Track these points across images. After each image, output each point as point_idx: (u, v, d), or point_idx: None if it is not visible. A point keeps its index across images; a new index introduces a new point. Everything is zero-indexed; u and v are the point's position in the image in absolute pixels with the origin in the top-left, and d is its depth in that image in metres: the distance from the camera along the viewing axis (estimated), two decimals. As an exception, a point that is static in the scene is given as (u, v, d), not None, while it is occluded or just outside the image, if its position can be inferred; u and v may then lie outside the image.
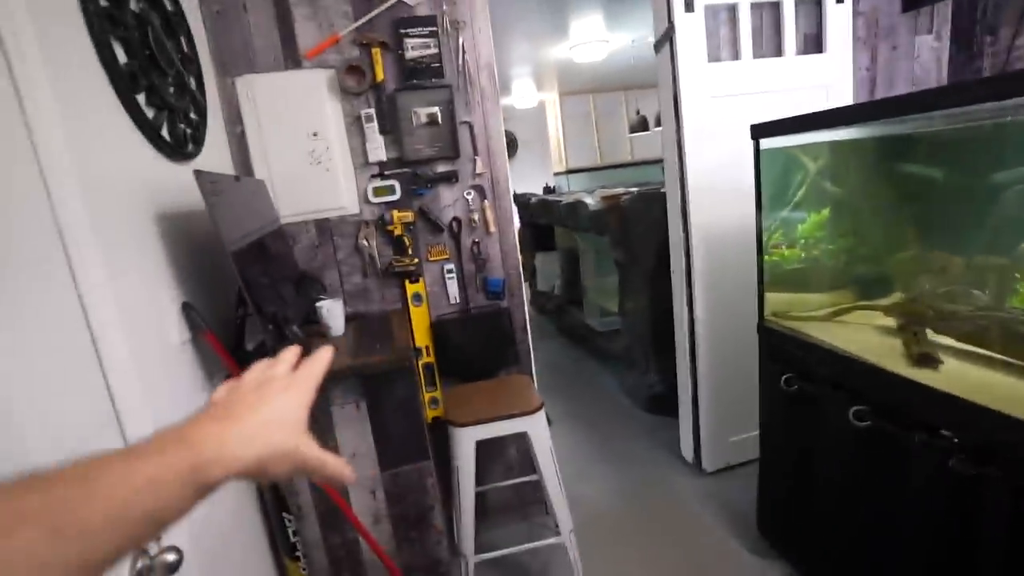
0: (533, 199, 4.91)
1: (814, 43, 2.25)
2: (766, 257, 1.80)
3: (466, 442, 1.72)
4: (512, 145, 8.13)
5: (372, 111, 1.88)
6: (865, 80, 2.37)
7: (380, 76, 1.86)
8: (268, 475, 0.39)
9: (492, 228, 2.02)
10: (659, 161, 7.19)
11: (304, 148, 1.88)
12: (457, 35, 1.89)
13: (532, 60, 4.92)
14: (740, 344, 2.20)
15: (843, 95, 2.28)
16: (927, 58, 2.48)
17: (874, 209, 1.78)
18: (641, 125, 6.13)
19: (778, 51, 2.20)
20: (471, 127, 1.97)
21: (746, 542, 1.99)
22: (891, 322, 1.53)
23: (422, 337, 2.06)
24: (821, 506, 1.63)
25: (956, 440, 1.18)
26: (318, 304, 1.73)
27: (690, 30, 2.05)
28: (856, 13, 2.27)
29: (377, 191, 1.94)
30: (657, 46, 2.16)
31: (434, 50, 1.87)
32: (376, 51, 1.85)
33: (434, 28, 1.87)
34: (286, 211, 1.91)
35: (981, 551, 1.16)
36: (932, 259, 1.63)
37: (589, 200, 3.37)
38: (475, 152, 1.98)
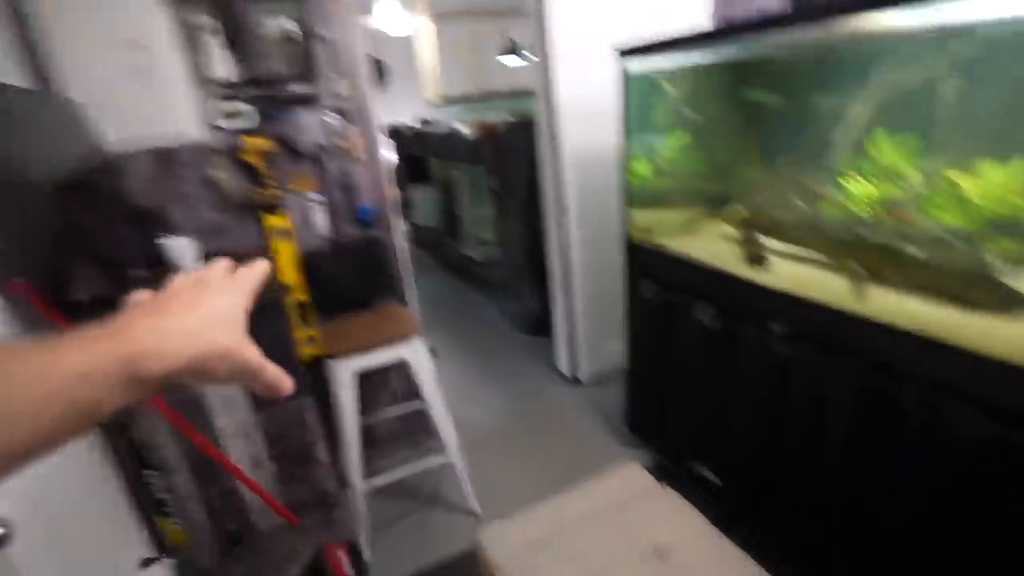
0: (407, 130, 4.71)
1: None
2: (631, 178, 1.90)
3: (343, 373, 1.68)
4: (383, 72, 7.62)
5: (214, 22, 1.64)
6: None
7: (215, -22, 1.62)
8: (206, 376, 0.37)
9: (359, 153, 1.90)
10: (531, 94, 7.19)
11: (124, 62, 1.60)
12: None
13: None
14: (610, 262, 2.35)
15: (700, 12, 2.38)
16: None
17: (721, 131, 1.93)
18: (512, 50, 6.02)
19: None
20: (331, 44, 1.79)
21: (618, 438, 2.21)
22: (733, 231, 1.71)
23: (291, 273, 1.93)
24: (678, 399, 1.84)
25: (782, 328, 1.38)
26: (165, 243, 1.55)
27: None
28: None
29: (226, 114, 1.73)
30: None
31: (280, -49, 1.66)
32: (207, -53, 1.59)
33: (277, -77, 1.64)
34: (111, 137, 1.64)
35: (791, 416, 1.40)
36: (764, 174, 1.83)
37: (464, 129, 3.30)
38: (337, 72, 1.82)
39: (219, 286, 0.42)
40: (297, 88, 1.79)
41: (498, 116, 5.21)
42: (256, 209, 1.83)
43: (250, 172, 1.78)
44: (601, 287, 2.47)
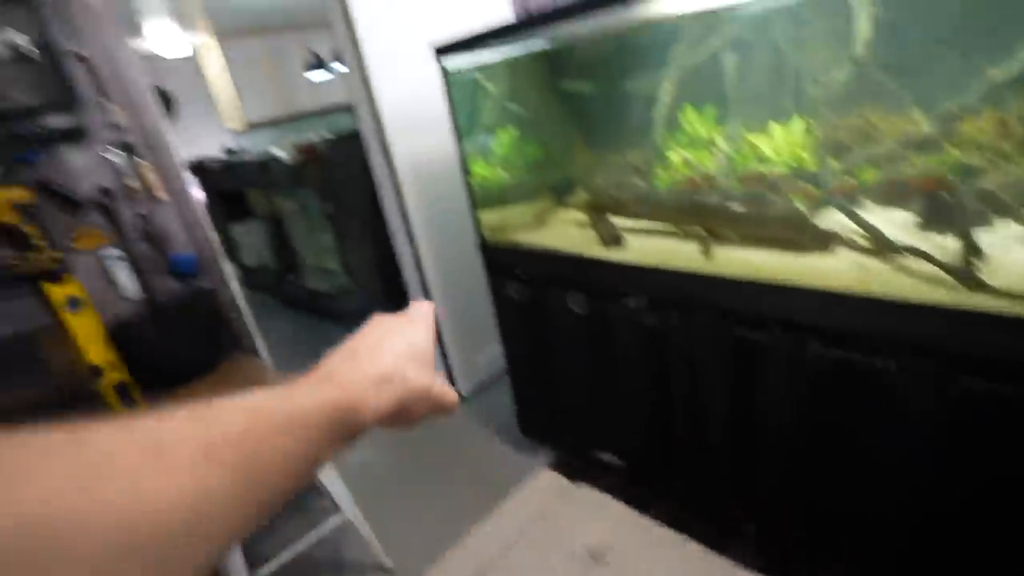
0: (213, 163, 4.21)
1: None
2: (472, 180, 1.86)
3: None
4: (168, 100, 6.76)
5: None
6: None
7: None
8: (404, 419, 0.37)
9: (160, 193, 1.61)
10: (348, 108, 6.90)
11: None
12: None
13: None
14: (468, 268, 2.30)
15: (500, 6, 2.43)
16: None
17: (546, 121, 1.99)
18: (317, 64, 5.71)
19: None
20: (87, 62, 1.48)
21: (514, 445, 2.17)
22: (583, 216, 1.76)
23: (97, 351, 1.57)
24: (565, 391, 1.85)
25: (644, 301, 1.44)
26: None
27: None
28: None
29: (-47, 166, 1.33)
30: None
31: (-6, -47, 1.31)
32: None
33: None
34: None
35: (672, 382, 1.47)
36: (595, 157, 1.92)
37: (282, 153, 3.01)
38: (105, 97, 1.51)
39: (402, 322, 0.41)
40: (55, 121, 1.45)
41: (316, 136, 4.92)
42: (28, 280, 1.45)
43: (7, 234, 1.40)
44: (464, 295, 2.41)
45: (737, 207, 1.40)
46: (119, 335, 1.58)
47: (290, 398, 0.30)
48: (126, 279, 1.58)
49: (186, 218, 1.70)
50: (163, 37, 5.26)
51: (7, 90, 1.34)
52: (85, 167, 1.50)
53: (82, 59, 1.45)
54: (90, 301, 1.55)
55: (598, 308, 1.58)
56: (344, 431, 0.31)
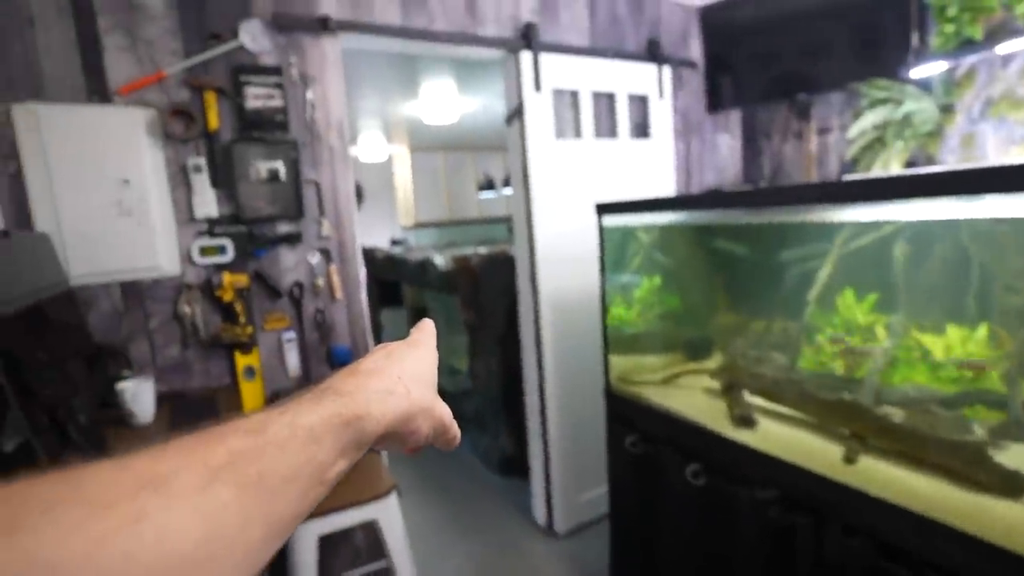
0: (379, 254, 4.78)
1: (641, 130, 2.54)
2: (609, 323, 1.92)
3: (305, 538, 1.51)
4: (359, 195, 7.93)
5: (202, 161, 1.67)
6: (683, 164, 2.73)
7: (214, 124, 1.67)
8: (409, 434, 0.36)
9: (338, 294, 1.88)
10: (504, 220, 7.54)
11: (110, 197, 1.59)
12: (305, 88, 1.79)
13: (382, 115, 4.89)
14: (588, 405, 2.29)
15: (666, 175, 2.59)
16: (726, 152, 2.95)
17: (694, 275, 2.01)
18: (488, 185, 6.39)
19: (613, 133, 2.45)
20: (318, 186, 1.84)
21: (599, 604, 2.01)
22: (716, 384, 1.71)
23: (254, 415, 1.81)
24: (667, 558, 1.71)
25: (773, 494, 1.32)
26: (119, 386, 1.43)
27: (539, 108, 2.19)
28: (674, 110, 2.63)
29: (205, 250, 1.70)
30: (509, 120, 2.27)
31: (279, 102, 1.74)
32: (210, 95, 1.66)
33: (279, 79, 1.74)
34: (81, 270, 1.58)
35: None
36: (740, 323, 1.88)
37: (439, 260, 3.36)
38: (321, 213, 1.85)
39: (405, 346, 0.42)
40: (282, 227, 1.80)
41: (470, 243, 5.42)
42: (226, 346, 1.74)
43: (224, 309, 1.72)
44: (579, 431, 2.39)
45: (893, 416, 1.28)
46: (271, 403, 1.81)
47: (293, 412, 0.29)
48: (294, 360, 1.83)
49: (352, 314, 1.95)
50: (369, 147, 6.32)
51: (261, 202, 1.71)
52: (291, 265, 1.82)
53: (315, 184, 1.82)
54: (261, 372, 1.80)
55: (716, 484, 1.48)
56: (351, 441, 0.31)
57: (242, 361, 1.74)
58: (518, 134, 2.22)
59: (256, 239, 1.75)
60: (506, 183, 5.75)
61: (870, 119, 2.20)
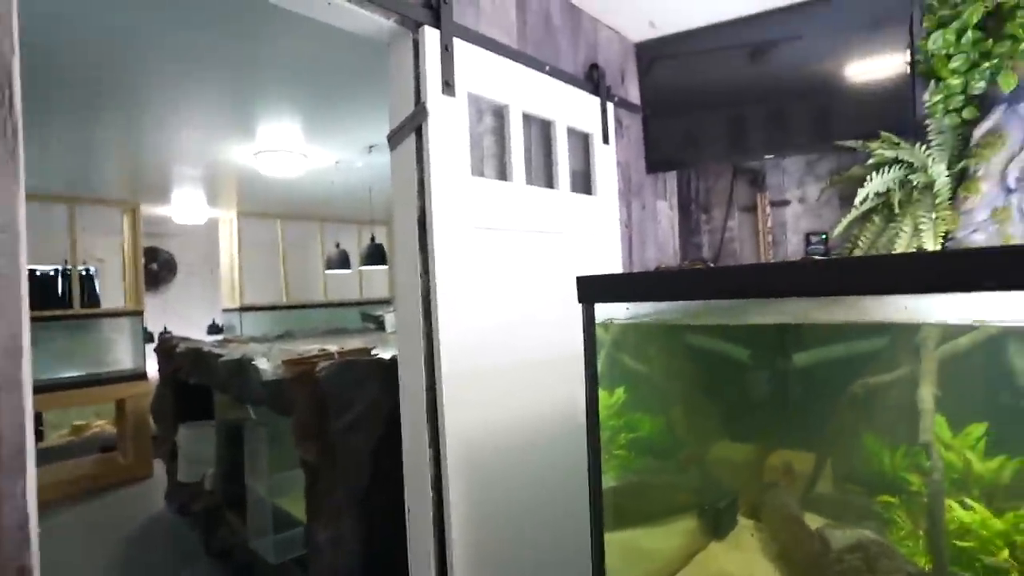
0: (181, 345, 3.40)
1: (582, 183, 1.79)
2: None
3: None
4: (170, 270, 6.27)
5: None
6: (626, 235, 2.02)
7: None
8: None
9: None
10: (357, 304, 6.38)
11: None
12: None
13: (205, 161, 3.67)
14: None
15: (612, 246, 1.84)
16: (665, 224, 2.33)
17: (741, 409, 1.20)
18: (341, 261, 5.27)
19: (550, 181, 1.65)
20: None
21: None
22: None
23: None
24: None
25: None
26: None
27: (448, 121, 1.32)
28: (616, 163, 1.94)
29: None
30: (394, 139, 1.35)
31: None
32: None
33: None
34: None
35: None
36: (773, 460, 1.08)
37: (263, 363, 2.20)
38: None
39: None
40: None
41: (314, 334, 4.19)
42: None
43: None
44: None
45: None
46: None
47: None
48: None
49: None
50: (185, 204, 4.91)
51: None
52: None
53: None
54: None
55: None
56: None
57: None
58: (411, 162, 1.31)
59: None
60: (373, 257, 4.71)
61: (876, 183, 1.69)
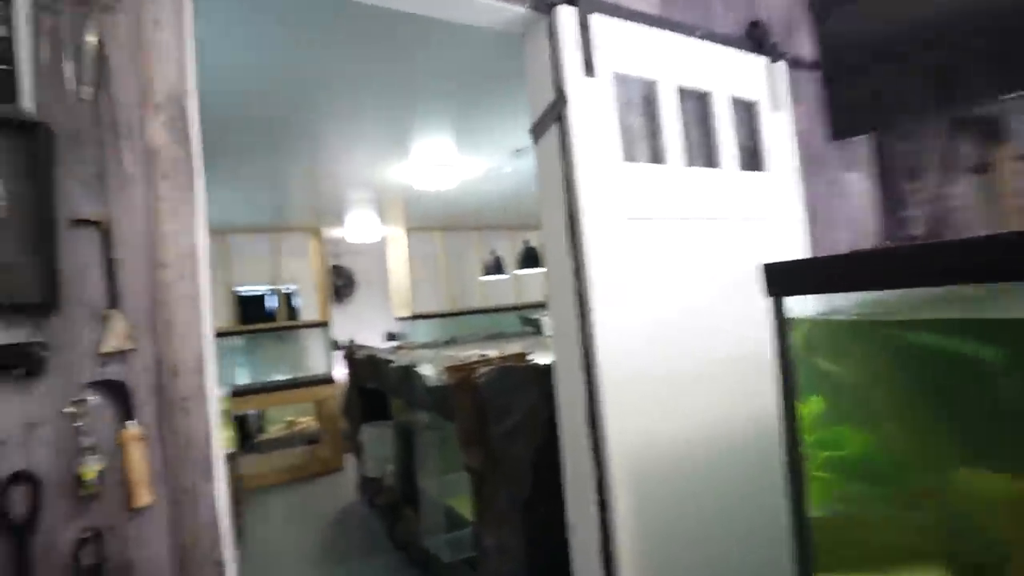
0: (359, 352, 3.73)
1: (751, 159, 1.56)
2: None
3: None
4: (350, 284, 7.02)
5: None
6: (808, 214, 1.71)
7: None
8: None
9: (143, 497, 0.79)
10: (514, 308, 6.52)
11: None
12: (85, 23, 0.82)
13: (372, 184, 4.03)
14: None
15: (791, 230, 1.57)
16: (857, 198, 1.95)
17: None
18: (495, 267, 5.43)
19: (710, 160, 1.45)
20: (106, 234, 0.81)
21: None
22: None
23: None
24: None
25: None
26: None
27: (592, 105, 1.21)
28: (791, 132, 1.66)
29: None
30: (536, 132, 1.29)
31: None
32: None
33: None
34: None
35: None
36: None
37: (427, 370, 2.29)
38: (113, 298, 0.80)
39: None
40: None
41: (474, 339, 4.35)
42: None
43: None
44: None
45: None
46: None
47: None
48: None
49: (187, 540, 0.85)
50: (360, 225, 5.45)
51: None
52: (11, 427, 0.75)
53: (99, 227, 0.80)
54: None
55: None
56: None
57: None
58: (555, 153, 1.23)
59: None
60: (527, 260, 4.77)
61: None
